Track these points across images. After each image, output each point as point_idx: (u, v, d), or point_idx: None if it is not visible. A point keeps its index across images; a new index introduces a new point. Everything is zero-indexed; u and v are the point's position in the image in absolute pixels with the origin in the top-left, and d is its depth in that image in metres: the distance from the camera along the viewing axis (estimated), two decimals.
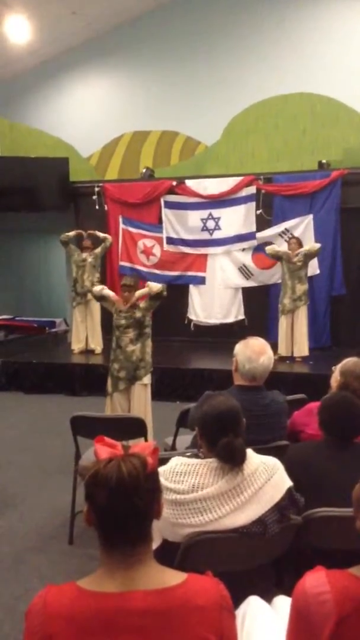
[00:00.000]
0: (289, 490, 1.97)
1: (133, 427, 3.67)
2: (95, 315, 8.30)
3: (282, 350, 7.50)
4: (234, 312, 9.11)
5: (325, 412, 2.43)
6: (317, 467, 2.27)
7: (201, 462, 1.94)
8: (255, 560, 2.00)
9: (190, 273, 9.36)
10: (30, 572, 3.34)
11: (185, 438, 3.57)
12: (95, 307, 8.14)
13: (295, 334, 7.63)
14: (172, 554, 1.87)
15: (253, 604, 1.73)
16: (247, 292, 9.00)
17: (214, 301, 9.24)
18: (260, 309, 8.82)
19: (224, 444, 1.91)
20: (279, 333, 7.69)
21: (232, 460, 1.91)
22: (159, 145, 10.92)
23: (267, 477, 1.92)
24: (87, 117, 11.18)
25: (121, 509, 1.22)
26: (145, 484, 1.23)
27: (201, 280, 9.30)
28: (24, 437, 5.91)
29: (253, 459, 1.96)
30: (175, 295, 9.32)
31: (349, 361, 3.02)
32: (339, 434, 2.36)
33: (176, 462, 1.95)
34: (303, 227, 8.69)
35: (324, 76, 9.75)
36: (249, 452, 1.98)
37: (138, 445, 1.31)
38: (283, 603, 1.77)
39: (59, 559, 3.49)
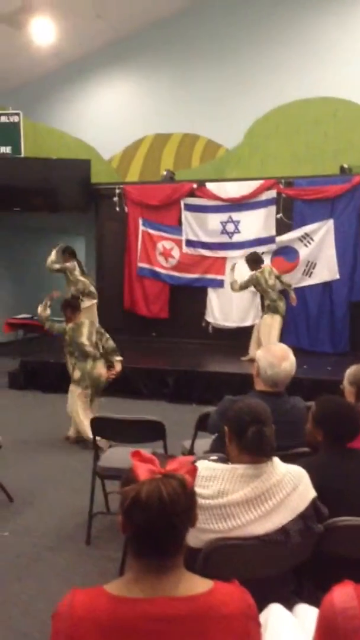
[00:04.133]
0: (314, 501, 1.97)
1: (152, 430, 3.67)
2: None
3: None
4: (252, 316, 9.09)
5: (320, 417, 2.42)
6: (321, 476, 2.24)
7: (227, 467, 1.95)
8: (276, 568, 1.99)
9: (208, 276, 9.37)
10: (48, 572, 3.36)
11: (204, 442, 3.56)
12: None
13: (261, 337, 7.82)
14: (192, 559, 1.88)
15: (275, 612, 1.73)
16: None
17: (232, 304, 9.24)
18: None
19: (254, 430, 1.93)
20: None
21: (261, 448, 1.93)
22: (180, 148, 10.94)
23: (292, 487, 1.92)
24: (109, 119, 11.24)
25: (160, 529, 1.23)
26: (184, 505, 1.24)
27: (220, 284, 9.30)
28: (42, 436, 5.95)
29: (279, 467, 1.96)
30: (194, 297, 9.37)
31: (354, 369, 3.00)
32: (335, 440, 2.35)
33: (202, 466, 1.95)
34: (323, 231, 8.66)
35: (347, 81, 9.71)
36: (276, 460, 1.98)
37: (175, 461, 1.30)
38: (305, 612, 1.77)
39: (76, 559, 3.50)
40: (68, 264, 7.93)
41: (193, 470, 1.29)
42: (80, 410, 5.52)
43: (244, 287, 7.90)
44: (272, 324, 7.71)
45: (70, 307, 5.75)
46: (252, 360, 7.52)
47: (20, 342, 10.42)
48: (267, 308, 7.83)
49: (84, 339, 5.52)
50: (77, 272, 8.00)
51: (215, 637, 1.20)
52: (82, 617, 1.21)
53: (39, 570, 3.38)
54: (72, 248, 8.17)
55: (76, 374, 5.55)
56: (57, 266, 7.89)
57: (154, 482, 1.23)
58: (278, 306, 7.74)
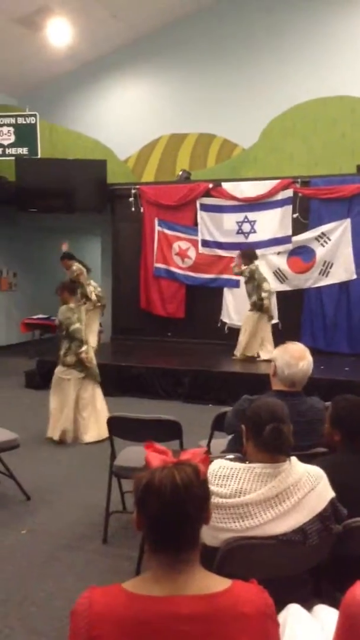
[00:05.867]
0: (332, 501, 1.95)
1: (169, 430, 3.67)
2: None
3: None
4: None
5: (336, 417, 2.41)
6: (339, 476, 2.23)
7: (244, 466, 1.94)
8: (293, 568, 1.98)
9: (224, 276, 9.35)
10: (65, 570, 3.37)
11: (221, 442, 3.55)
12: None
13: (257, 338, 8.13)
14: (209, 558, 1.87)
15: (293, 612, 1.71)
16: (281, 296, 8.91)
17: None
18: (295, 313, 8.76)
19: (271, 427, 1.92)
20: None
21: (279, 446, 1.92)
22: (196, 147, 10.94)
23: (310, 487, 1.91)
24: (125, 120, 11.27)
25: (173, 517, 1.22)
26: (198, 492, 1.23)
27: (235, 284, 9.27)
28: None
29: (297, 467, 1.95)
30: (210, 298, 9.35)
31: None
32: (353, 439, 2.34)
33: (219, 465, 1.95)
34: (340, 231, 8.60)
35: None
36: (294, 460, 1.97)
37: (188, 452, 1.30)
38: (323, 612, 1.76)
39: (93, 558, 3.51)
40: (74, 268, 8.13)
41: (206, 460, 1.29)
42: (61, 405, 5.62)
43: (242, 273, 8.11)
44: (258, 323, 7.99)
45: (68, 289, 5.71)
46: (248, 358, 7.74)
47: (36, 342, 10.49)
48: (253, 307, 8.07)
49: (80, 324, 5.57)
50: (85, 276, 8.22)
51: (234, 635, 1.19)
52: (100, 615, 1.21)
53: (56, 568, 3.39)
54: (68, 252, 8.50)
55: (70, 359, 5.54)
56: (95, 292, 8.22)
57: (167, 468, 1.23)
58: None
